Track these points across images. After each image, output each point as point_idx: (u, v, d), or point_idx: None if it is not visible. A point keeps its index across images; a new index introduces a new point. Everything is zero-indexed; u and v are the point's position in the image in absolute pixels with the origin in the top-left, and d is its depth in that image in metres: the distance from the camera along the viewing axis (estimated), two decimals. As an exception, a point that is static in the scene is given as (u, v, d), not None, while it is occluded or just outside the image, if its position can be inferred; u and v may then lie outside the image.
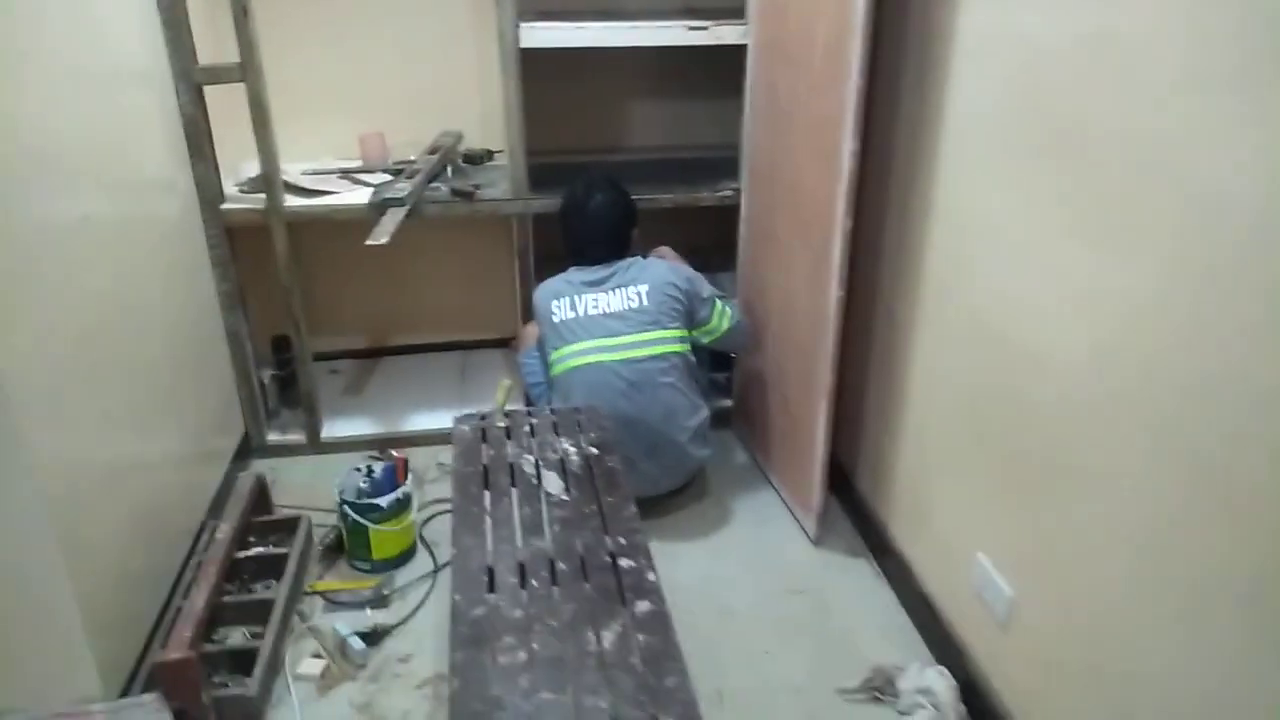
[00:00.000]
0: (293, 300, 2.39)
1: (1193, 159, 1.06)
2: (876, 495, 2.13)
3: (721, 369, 2.68)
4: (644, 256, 2.29)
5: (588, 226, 2.22)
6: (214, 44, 2.27)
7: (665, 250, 2.49)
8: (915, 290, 1.83)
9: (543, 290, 2.24)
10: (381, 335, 3.05)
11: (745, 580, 2.06)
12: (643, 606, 1.32)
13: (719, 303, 2.26)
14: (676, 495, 2.33)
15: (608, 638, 1.26)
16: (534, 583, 1.38)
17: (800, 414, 2.13)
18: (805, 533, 2.20)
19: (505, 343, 2.94)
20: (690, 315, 2.20)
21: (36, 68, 1.52)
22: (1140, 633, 1.21)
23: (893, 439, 2.00)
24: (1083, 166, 1.27)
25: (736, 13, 2.29)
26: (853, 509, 2.25)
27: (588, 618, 1.30)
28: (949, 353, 1.72)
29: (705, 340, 2.29)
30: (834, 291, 1.87)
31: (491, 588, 1.37)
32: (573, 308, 2.16)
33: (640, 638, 1.26)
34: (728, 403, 2.68)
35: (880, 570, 2.08)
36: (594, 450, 1.74)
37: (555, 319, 2.18)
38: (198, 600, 1.72)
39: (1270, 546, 0.99)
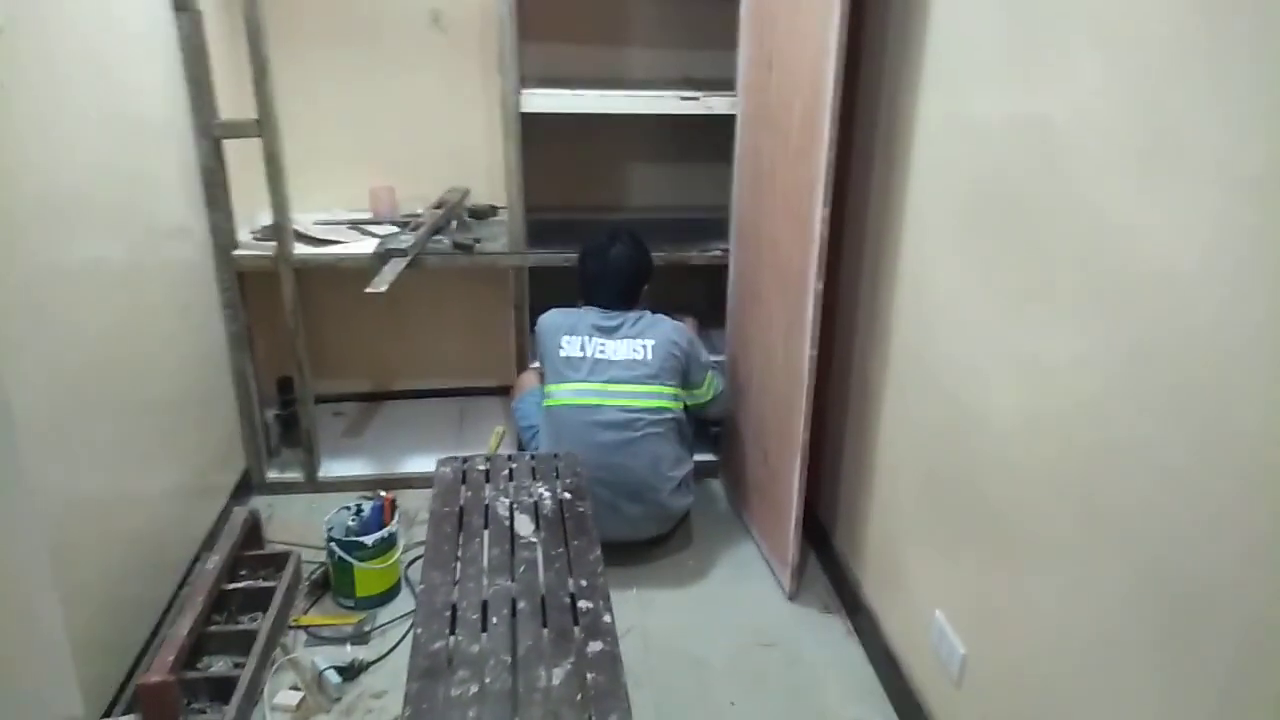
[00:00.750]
0: (297, 343, 2.50)
1: (1114, 237, 1.13)
2: (851, 552, 2.16)
3: (715, 422, 2.74)
4: (652, 312, 2.38)
5: (603, 273, 2.32)
6: (234, 98, 2.41)
7: (690, 321, 2.59)
8: (884, 353, 1.90)
9: (552, 319, 2.33)
10: (385, 380, 3.15)
11: (718, 632, 2.10)
12: (595, 646, 1.37)
13: (710, 373, 2.37)
14: (659, 544, 2.38)
15: (558, 675, 1.31)
16: (494, 620, 1.43)
17: (778, 468, 2.19)
18: (781, 587, 2.23)
19: (504, 390, 3.02)
20: (685, 376, 2.30)
21: (64, 119, 1.65)
22: (1075, 691, 1.24)
23: (865, 497, 2.05)
24: (1018, 241, 1.35)
25: (730, 84, 2.41)
26: (830, 565, 2.28)
27: (541, 655, 1.35)
28: (913, 413, 1.78)
29: (689, 404, 2.38)
30: (807, 350, 1.94)
31: (453, 624, 1.43)
32: (582, 348, 2.26)
33: (589, 676, 1.31)
34: (714, 457, 2.74)
35: (852, 627, 2.10)
36: (567, 495, 1.80)
37: (562, 353, 2.27)
38: (182, 627, 1.79)
39: (1176, 614, 1.04)
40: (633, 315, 2.30)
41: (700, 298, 2.94)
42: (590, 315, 2.30)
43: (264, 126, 2.27)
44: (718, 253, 2.55)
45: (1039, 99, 1.29)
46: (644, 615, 2.14)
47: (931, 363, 1.68)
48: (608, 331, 2.27)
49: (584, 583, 1.53)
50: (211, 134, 2.27)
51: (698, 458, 2.64)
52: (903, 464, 1.85)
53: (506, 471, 1.90)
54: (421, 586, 1.53)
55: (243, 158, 2.40)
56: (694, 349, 2.31)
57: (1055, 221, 1.25)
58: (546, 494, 1.81)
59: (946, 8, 1.58)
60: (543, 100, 2.36)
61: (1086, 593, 1.21)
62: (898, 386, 1.85)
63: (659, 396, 2.23)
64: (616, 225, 2.42)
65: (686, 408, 2.38)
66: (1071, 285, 1.22)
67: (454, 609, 1.46)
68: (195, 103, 2.23)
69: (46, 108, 1.59)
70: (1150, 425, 1.07)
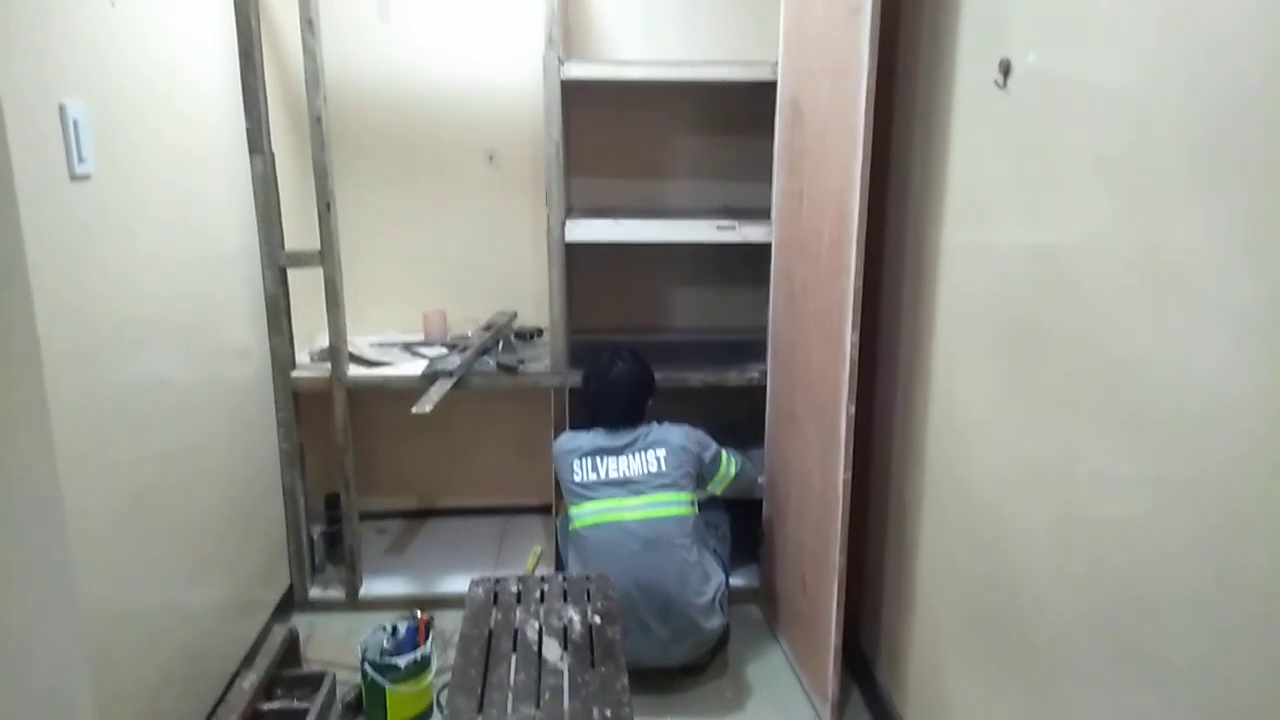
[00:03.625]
0: (345, 462, 2.57)
1: (1131, 366, 1.13)
2: (894, 686, 2.07)
3: (750, 544, 2.70)
4: (659, 423, 2.41)
5: (606, 392, 2.38)
6: (300, 228, 2.59)
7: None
8: (919, 477, 1.88)
9: (565, 444, 2.37)
10: (429, 497, 3.20)
11: (756, 768, 2.01)
12: (615, 781, 1.33)
13: (724, 454, 2.41)
14: (695, 672, 2.31)
15: (576, 811, 1.27)
16: (515, 749, 1.41)
17: (817, 595, 2.14)
18: (822, 721, 2.14)
19: (545, 509, 3.04)
20: (701, 476, 2.36)
21: (141, 253, 1.80)
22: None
23: (907, 628, 1.98)
24: (1042, 367, 1.35)
25: (767, 212, 2.50)
26: (873, 700, 2.18)
27: (560, 789, 1.32)
28: (950, 539, 1.74)
29: (718, 490, 2.43)
30: (841, 472, 1.93)
31: (474, 751, 1.41)
32: (594, 469, 2.29)
33: (608, 813, 1.27)
34: (747, 582, 2.68)
35: (897, 767, 2.00)
36: (598, 619, 1.79)
37: (576, 477, 2.30)
38: (211, 747, 1.79)
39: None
40: (641, 430, 2.34)
41: (743, 418, 2.95)
42: (598, 437, 2.33)
43: (326, 257, 2.42)
44: (755, 375, 2.58)
45: (1051, 230, 1.32)
46: (678, 749, 2.07)
47: (966, 489, 1.65)
48: (617, 451, 2.30)
49: (609, 712, 1.50)
50: (277, 263, 2.43)
51: (737, 582, 2.60)
52: (943, 593, 1.79)
53: (538, 593, 1.90)
54: (446, 713, 1.51)
55: (305, 282, 2.55)
56: (702, 447, 2.35)
57: (1075, 349, 1.26)
58: (576, 617, 1.80)
59: (964, 143, 1.64)
60: (586, 230, 2.48)
61: (1129, 738, 1.14)
62: (935, 511, 1.82)
63: (678, 504, 2.25)
64: (617, 344, 2.49)
65: (718, 494, 2.45)
66: (1094, 412, 1.21)
67: (476, 736, 1.44)
68: (264, 235, 2.40)
69: (126, 244, 1.74)
70: (1176, 559, 1.04)
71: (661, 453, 2.27)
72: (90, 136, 1.58)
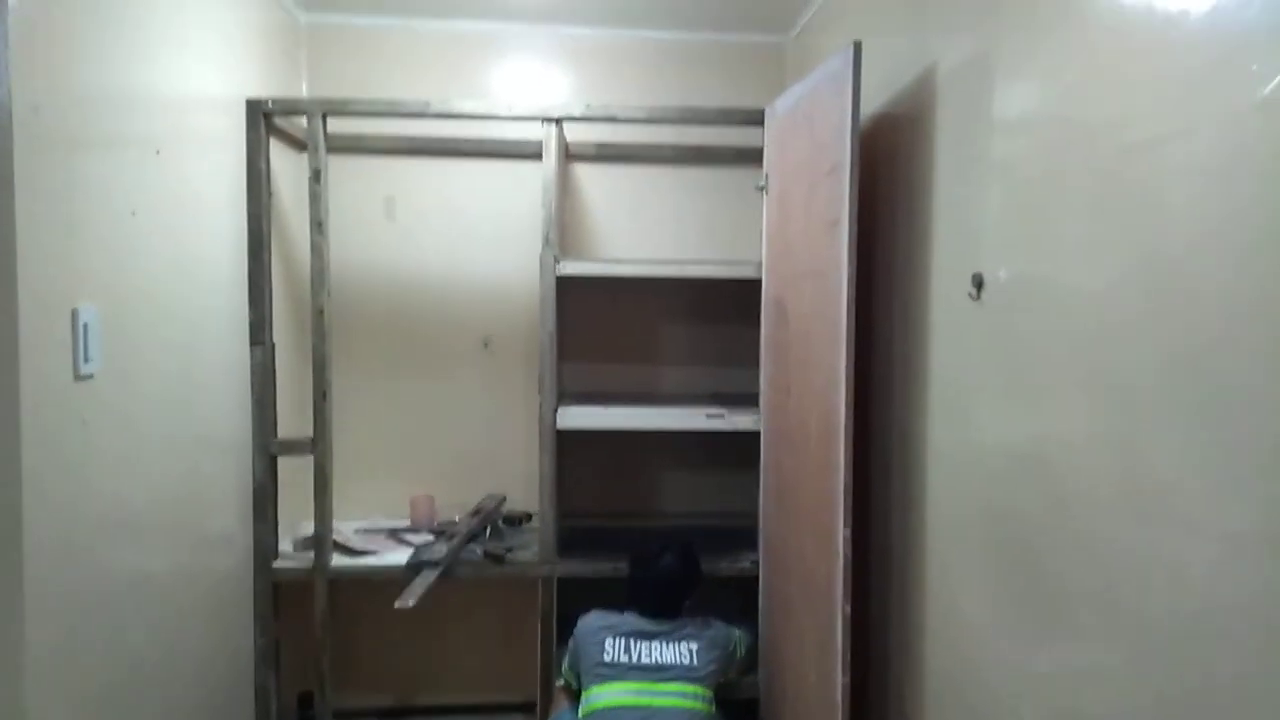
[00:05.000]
0: (323, 660, 2.47)
1: (1121, 575, 1.13)
2: None
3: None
4: (691, 618, 2.35)
5: (648, 582, 2.34)
6: (292, 415, 2.61)
7: None
8: (919, 681, 1.82)
9: (595, 622, 2.30)
10: (407, 693, 3.04)
11: None
12: None
13: (737, 635, 2.38)
14: None
15: None
16: None
17: (819, 809, 2.01)
18: None
19: (528, 707, 2.89)
20: (726, 671, 2.32)
21: (136, 446, 1.80)
22: None
23: (916, 846, 1.85)
24: (1035, 571, 1.35)
25: (756, 399, 2.55)
26: None
27: None
28: (956, 750, 1.67)
29: (735, 673, 2.39)
30: (840, 676, 1.86)
31: None
32: (626, 651, 2.24)
33: None
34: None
35: None
36: (586, 843, 1.67)
37: (606, 656, 2.23)
38: None
39: None
40: (680, 622, 2.30)
41: (734, 609, 2.87)
42: (635, 620, 2.29)
43: (318, 445, 2.43)
44: (747, 564, 2.54)
45: (1032, 439, 1.36)
46: None
47: (970, 694, 1.60)
48: (650, 636, 2.26)
49: None
50: (269, 451, 2.43)
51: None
52: (952, 810, 1.69)
53: (522, 811, 1.78)
54: None
55: (292, 465, 2.54)
56: (729, 643, 2.32)
57: (1065, 554, 1.26)
58: (563, 840, 1.67)
59: (943, 348, 1.71)
60: (578, 417, 2.51)
61: None
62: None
63: (701, 699, 2.19)
64: (671, 536, 2.46)
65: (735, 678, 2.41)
66: (1091, 621, 1.20)
67: None
68: (258, 423, 2.41)
69: (121, 439, 1.74)
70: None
71: (695, 646, 2.24)
72: (99, 339, 1.62)
